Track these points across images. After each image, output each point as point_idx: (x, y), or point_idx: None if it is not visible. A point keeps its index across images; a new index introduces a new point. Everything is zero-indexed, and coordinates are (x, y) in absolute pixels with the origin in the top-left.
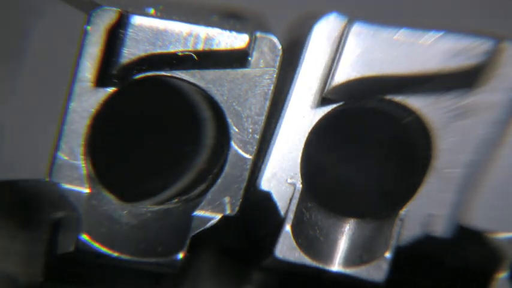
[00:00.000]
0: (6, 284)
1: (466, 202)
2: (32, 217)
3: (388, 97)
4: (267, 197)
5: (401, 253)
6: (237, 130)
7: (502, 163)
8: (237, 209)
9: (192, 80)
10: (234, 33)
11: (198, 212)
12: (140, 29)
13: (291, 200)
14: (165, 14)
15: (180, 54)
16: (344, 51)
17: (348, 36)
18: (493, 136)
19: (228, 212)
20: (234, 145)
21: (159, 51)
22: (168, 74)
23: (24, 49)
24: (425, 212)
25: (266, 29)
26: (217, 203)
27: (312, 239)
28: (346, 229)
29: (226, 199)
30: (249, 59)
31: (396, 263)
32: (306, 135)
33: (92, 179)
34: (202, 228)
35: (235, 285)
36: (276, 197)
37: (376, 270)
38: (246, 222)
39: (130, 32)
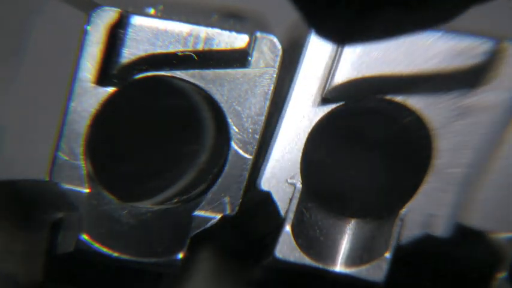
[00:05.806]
0: (6, 284)
1: (466, 202)
2: (32, 217)
3: (388, 97)
4: (267, 197)
5: (401, 253)
6: (237, 130)
7: (502, 163)
8: (237, 209)
9: (192, 80)
10: (234, 33)
11: (198, 212)
12: (140, 29)
13: (291, 200)
14: (165, 14)
15: (180, 54)
16: (344, 51)
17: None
18: (493, 136)
19: (228, 212)
20: (234, 145)
21: (159, 51)
22: (168, 74)
23: (24, 49)
24: (425, 212)
25: (266, 29)
26: (217, 203)
27: (312, 239)
28: (346, 229)
29: (226, 199)
30: (249, 59)
31: (396, 263)
32: (306, 135)
33: (92, 179)
34: (202, 228)
35: (235, 285)
36: (276, 197)
37: (376, 270)
38: (246, 222)
39: (130, 32)
